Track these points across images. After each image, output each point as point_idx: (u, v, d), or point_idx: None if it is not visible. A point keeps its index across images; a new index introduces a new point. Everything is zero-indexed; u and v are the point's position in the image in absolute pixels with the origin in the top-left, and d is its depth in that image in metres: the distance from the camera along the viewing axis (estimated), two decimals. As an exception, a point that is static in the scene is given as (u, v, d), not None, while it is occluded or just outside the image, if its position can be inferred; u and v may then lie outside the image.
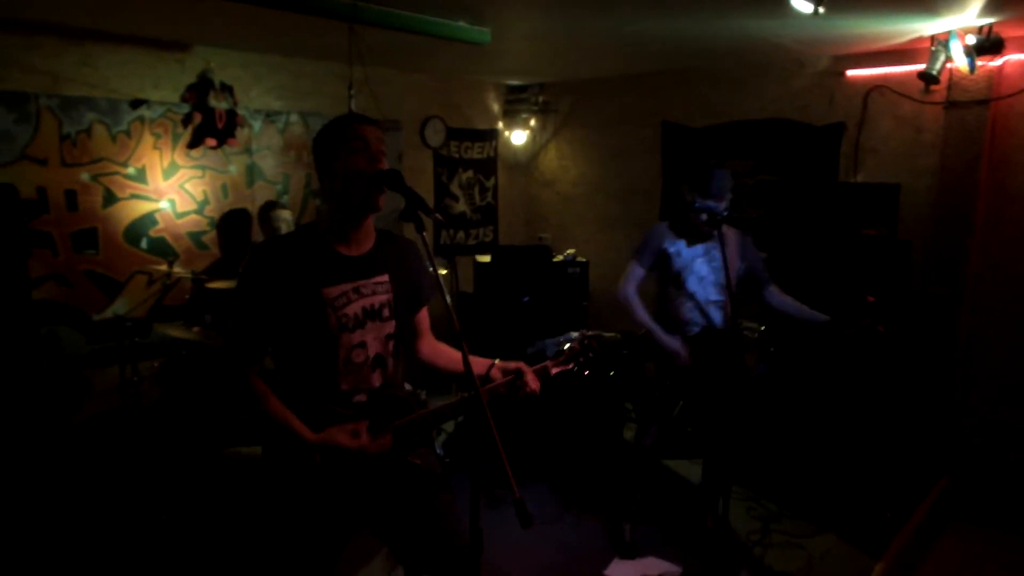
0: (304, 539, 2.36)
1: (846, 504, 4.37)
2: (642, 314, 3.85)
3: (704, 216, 3.62)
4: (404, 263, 2.57)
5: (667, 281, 3.87)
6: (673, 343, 3.79)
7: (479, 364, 2.60)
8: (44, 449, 3.95)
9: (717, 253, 3.68)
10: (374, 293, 2.43)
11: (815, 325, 3.80)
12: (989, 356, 4.67)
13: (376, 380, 2.45)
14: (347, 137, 2.33)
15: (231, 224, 5.29)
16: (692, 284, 3.82)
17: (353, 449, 2.31)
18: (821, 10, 3.49)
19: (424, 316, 2.72)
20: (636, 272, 3.87)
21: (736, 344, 3.73)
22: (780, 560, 3.96)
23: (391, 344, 2.48)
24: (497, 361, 2.63)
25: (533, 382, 2.58)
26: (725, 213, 3.57)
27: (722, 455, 4.10)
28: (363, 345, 2.40)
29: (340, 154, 2.33)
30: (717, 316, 3.85)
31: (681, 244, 3.82)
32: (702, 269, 3.81)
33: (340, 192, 2.35)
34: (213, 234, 5.26)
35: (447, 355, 2.75)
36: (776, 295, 3.91)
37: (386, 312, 2.45)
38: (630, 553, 4.00)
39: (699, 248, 3.82)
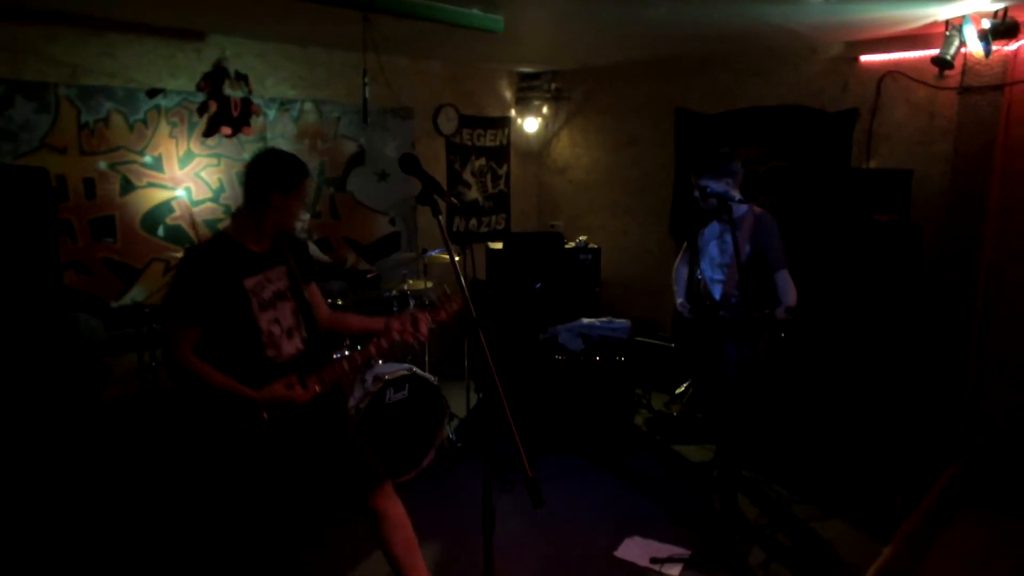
0: (249, 478, 2.96)
1: (856, 489, 4.39)
2: (677, 283, 4.41)
3: (714, 201, 3.83)
4: (293, 255, 3.12)
5: (695, 257, 4.26)
6: (680, 303, 4.33)
7: (376, 322, 3.17)
8: (68, 433, 4.02)
9: (728, 236, 3.94)
10: (279, 279, 3.02)
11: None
12: (1003, 342, 4.67)
13: (293, 346, 3.02)
14: (301, 187, 2.97)
15: None
16: (704, 263, 4.14)
17: (290, 396, 2.86)
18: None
19: (313, 291, 3.25)
20: (685, 252, 4.38)
21: (721, 322, 4.04)
22: (789, 543, 3.98)
23: (299, 317, 3.08)
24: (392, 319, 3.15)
25: (415, 332, 3.07)
26: (737, 197, 3.79)
27: (731, 437, 4.18)
28: (277, 321, 2.98)
29: (291, 195, 2.93)
30: (717, 293, 4.11)
31: (707, 227, 4.16)
32: (714, 250, 4.10)
33: (272, 215, 2.93)
34: (228, 222, 5.31)
35: (343, 320, 3.40)
36: (779, 281, 4.00)
37: (288, 294, 3.05)
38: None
39: (716, 230, 4.09)
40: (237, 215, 3.03)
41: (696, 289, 4.25)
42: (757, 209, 4.04)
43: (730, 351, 4.08)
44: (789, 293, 3.97)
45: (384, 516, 3.03)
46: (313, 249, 5.11)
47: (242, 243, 2.96)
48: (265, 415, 2.86)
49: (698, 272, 4.20)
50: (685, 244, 4.40)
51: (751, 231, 3.97)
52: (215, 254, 2.90)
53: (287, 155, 3.00)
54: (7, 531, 3.63)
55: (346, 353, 3.18)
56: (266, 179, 2.91)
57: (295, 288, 3.08)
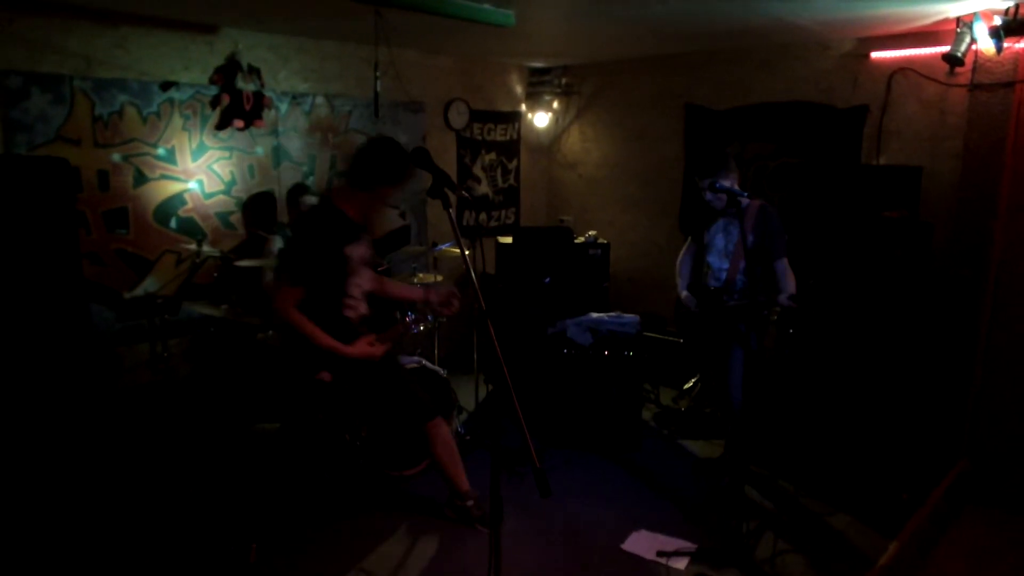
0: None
1: (863, 485, 4.40)
2: (680, 275, 4.62)
3: (724, 196, 3.97)
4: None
5: (700, 251, 4.50)
6: (686, 296, 4.53)
7: (413, 292, 3.90)
8: (84, 421, 4.07)
9: (734, 228, 4.22)
10: (366, 248, 3.54)
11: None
12: (1012, 339, 4.66)
13: (364, 308, 3.60)
14: (406, 183, 3.45)
15: (257, 206, 5.39)
16: (711, 256, 4.37)
17: (372, 353, 3.48)
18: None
19: None
20: (691, 246, 4.63)
21: (721, 305, 4.29)
22: (796, 538, 4.00)
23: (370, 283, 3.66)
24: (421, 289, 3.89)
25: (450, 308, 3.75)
26: (745, 193, 3.93)
27: (739, 423, 4.29)
28: (359, 285, 3.53)
29: (395, 188, 3.42)
30: (722, 280, 4.33)
31: (713, 223, 4.38)
32: (719, 243, 4.32)
33: (374, 202, 3.48)
34: (240, 214, 5.36)
35: (383, 285, 3.85)
36: (779, 270, 4.22)
37: (369, 261, 3.58)
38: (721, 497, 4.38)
39: (720, 224, 4.31)
40: (343, 186, 3.55)
41: (701, 280, 4.44)
42: (759, 201, 4.24)
43: (741, 327, 4.24)
44: (789, 281, 4.18)
45: (436, 436, 3.82)
46: None
47: (344, 211, 3.40)
48: (344, 374, 3.51)
49: (704, 265, 4.39)
50: (689, 239, 4.61)
51: (754, 221, 4.18)
52: (326, 221, 3.37)
53: (401, 152, 3.38)
54: (21, 517, 3.69)
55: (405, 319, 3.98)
56: (380, 170, 3.35)
57: (373, 256, 3.63)
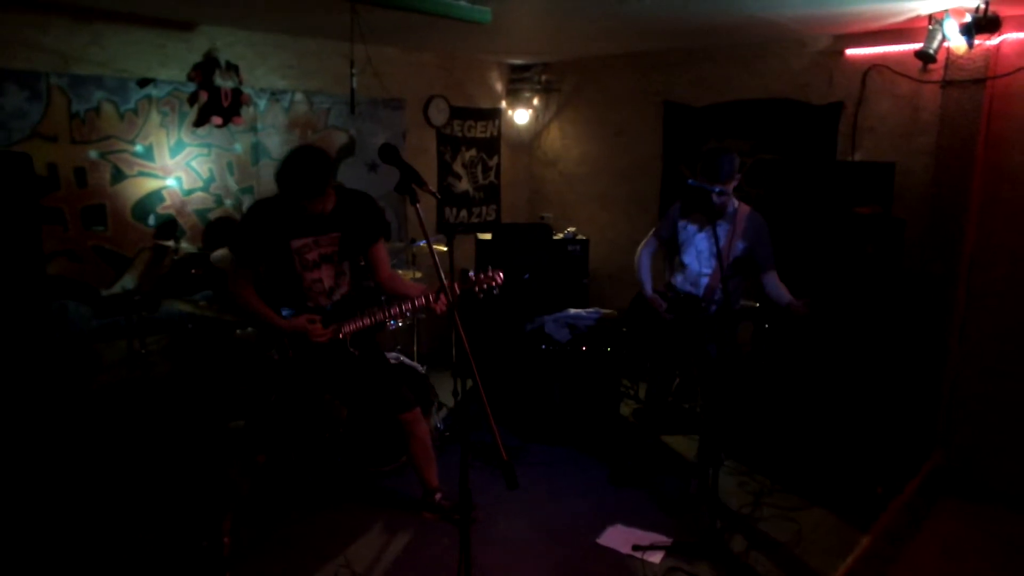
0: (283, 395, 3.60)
1: (838, 479, 4.45)
2: (643, 273, 4.35)
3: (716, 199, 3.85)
4: (354, 218, 3.51)
5: (673, 251, 4.25)
6: (654, 296, 4.25)
7: (413, 288, 3.69)
8: (54, 420, 4.06)
9: (721, 232, 3.95)
10: (328, 244, 3.47)
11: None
12: (984, 333, 4.72)
13: (330, 302, 3.55)
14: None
15: (220, 233, 5.33)
16: (688, 257, 4.14)
17: (308, 329, 3.41)
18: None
19: (377, 251, 3.68)
20: (652, 240, 4.39)
21: (701, 313, 4.12)
22: (770, 532, 4.04)
23: (341, 278, 3.59)
24: (426, 288, 3.66)
25: (441, 304, 3.52)
26: (717, 189, 3.79)
27: (711, 425, 4.27)
28: (320, 280, 3.50)
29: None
30: (703, 286, 4.12)
31: (690, 221, 4.16)
32: (701, 244, 4.10)
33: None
34: (219, 211, 5.34)
35: (397, 284, 3.74)
36: (771, 282, 4.07)
37: (335, 257, 3.52)
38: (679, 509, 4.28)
39: (704, 224, 4.09)
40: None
41: (669, 280, 4.28)
42: (746, 207, 4.08)
43: (712, 347, 4.14)
44: (783, 292, 4.02)
45: (411, 432, 3.82)
46: None
47: (303, 203, 3.27)
48: (290, 352, 3.47)
49: (677, 265, 4.23)
50: (652, 232, 4.40)
51: (744, 228, 4.02)
52: (271, 211, 3.33)
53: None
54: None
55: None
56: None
57: (343, 253, 3.53)
